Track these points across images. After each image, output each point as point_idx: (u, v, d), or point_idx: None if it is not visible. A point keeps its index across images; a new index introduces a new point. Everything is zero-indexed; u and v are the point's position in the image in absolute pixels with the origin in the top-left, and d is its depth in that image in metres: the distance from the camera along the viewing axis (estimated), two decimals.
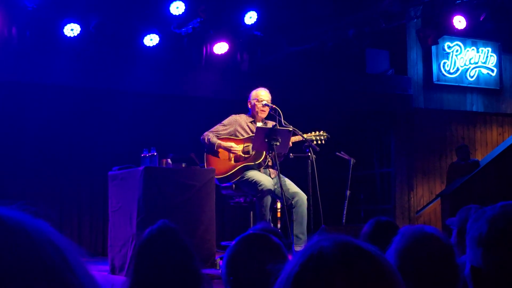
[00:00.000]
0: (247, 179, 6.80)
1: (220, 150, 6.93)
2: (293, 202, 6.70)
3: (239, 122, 7.04)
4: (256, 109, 6.98)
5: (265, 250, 2.30)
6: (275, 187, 6.65)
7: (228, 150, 6.90)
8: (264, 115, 7.01)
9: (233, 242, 2.39)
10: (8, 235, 0.80)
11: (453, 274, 2.24)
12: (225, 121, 7.07)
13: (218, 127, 7.04)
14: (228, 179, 6.93)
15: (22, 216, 0.84)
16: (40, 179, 8.89)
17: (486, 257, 1.56)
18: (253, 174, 6.80)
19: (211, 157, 6.97)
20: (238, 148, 6.92)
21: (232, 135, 7.01)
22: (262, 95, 7.00)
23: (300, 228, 6.64)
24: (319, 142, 6.97)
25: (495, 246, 1.55)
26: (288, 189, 6.75)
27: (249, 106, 7.07)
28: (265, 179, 6.72)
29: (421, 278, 2.28)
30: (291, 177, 6.97)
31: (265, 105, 6.92)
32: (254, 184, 6.70)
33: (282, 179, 6.77)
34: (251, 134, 6.93)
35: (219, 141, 6.92)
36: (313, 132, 7.03)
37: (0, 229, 0.80)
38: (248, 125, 7.03)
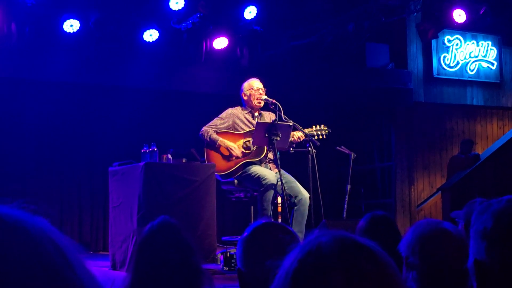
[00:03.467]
0: (250, 174, 6.78)
1: (220, 148, 6.91)
2: (295, 201, 6.68)
3: (236, 114, 7.03)
4: (253, 99, 6.95)
5: (281, 238, 2.27)
6: (278, 181, 6.64)
7: (229, 150, 6.88)
8: (259, 101, 6.95)
9: (250, 229, 2.35)
10: (8, 234, 0.80)
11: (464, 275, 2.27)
12: (222, 115, 7.06)
13: (216, 121, 7.02)
14: (229, 175, 6.92)
15: (21, 214, 0.84)
16: (40, 176, 8.89)
17: (490, 251, 1.56)
18: (257, 169, 6.78)
19: (212, 153, 6.95)
20: (238, 150, 6.88)
21: (230, 128, 6.99)
22: (256, 84, 6.99)
23: (299, 226, 6.62)
24: (320, 137, 6.94)
25: (500, 240, 1.55)
26: (292, 186, 6.72)
27: (244, 98, 7.03)
28: (269, 173, 6.71)
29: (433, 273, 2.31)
30: (291, 171, 6.96)
31: (265, 100, 6.91)
32: (258, 178, 6.68)
33: (285, 175, 6.77)
34: (250, 127, 6.91)
35: (221, 138, 6.90)
36: (314, 127, 7.01)
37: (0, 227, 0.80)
38: (245, 117, 7.02)
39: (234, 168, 6.85)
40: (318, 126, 7.02)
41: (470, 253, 1.62)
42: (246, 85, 7.04)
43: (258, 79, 7.05)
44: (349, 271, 0.99)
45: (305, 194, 6.66)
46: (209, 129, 6.94)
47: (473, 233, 1.61)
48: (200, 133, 6.99)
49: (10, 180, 8.61)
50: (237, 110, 7.05)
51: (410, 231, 2.43)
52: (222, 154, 6.92)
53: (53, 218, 0.92)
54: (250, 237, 2.28)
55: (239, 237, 6.45)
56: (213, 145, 6.91)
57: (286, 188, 6.59)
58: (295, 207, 6.66)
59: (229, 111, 7.07)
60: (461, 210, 3.83)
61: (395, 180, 11.11)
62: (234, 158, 6.89)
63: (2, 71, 8.29)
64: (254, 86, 6.97)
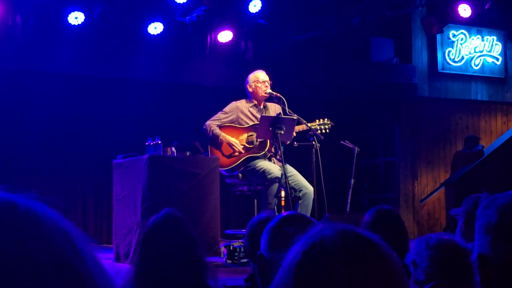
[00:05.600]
0: (254, 168, 6.79)
1: (223, 143, 6.91)
2: (300, 194, 6.68)
3: (240, 108, 7.02)
4: (259, 91, 6.96)
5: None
6: (282, 175, 6.64)
7: (231, 145, 6.88)
8: (265, 92, 6.95)
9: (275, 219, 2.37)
10: (19, 221, 0.81)
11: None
12: (226, 109, 7.06)
13: (219, 115, 7.02)
14: (233, 170, 6.92)
15: (33, 203, 0.85)
16: (44, 168, 8.90)
17: (494, 245, 1.56)
18: (261, 164, 6.79)
19: (215, 149, 6.96)
20: (240, 146, 6.88)
21: (234, 122, 6.99)
22: (262, 76, 6.99)
23: None
24: (324, 130, 6.95)
25: (504, 235, 1.55)
26: (296, 180, 6.73)
27: (249, 90, 7.03)
28: (273, 167, 6.72)
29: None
30: (295, 166, 6.96)
31: (269, 93, 6.91)
32: (263, 173, 6.69)
33: (290, 169, 6.77)
34: (254, 121, 6.91)
35: (223, 134, 6.90)
36: (317, 121, 7.01)
37: (11, 214, 0.81)
38: (249, 111, 7.01)
39: (237, 163, 6.86)
40: (321, 120, 7.02)
41: (475, 247, 1.62)
42: (252, 76, 7.03)
43: (264, 71, 7.04)
44: (352, 264, 1.00)
45: (309, 188, 6.68)
46: (212, 124, 6.94)
47: (478, 227, 1.61)
48: (204, 127, 6.99)
49: (14, 172, 8.63)
50: (241, 104, 7.05)
51: (412, 245, 2.55)
52: (225, 150, 6.92)
53: (60, 209, 0.92)
54: (278, 225, 2.29)
55: (242, 230, 6.43)
56: (216, 141, 6.92)
57: (290, 182, 6.60)
58: (300, 201, 6.67)
59: (233, 104, 7.07)
60: (461, 207, 3.85)
61: (398, 174, 11.10)
62: (237, 153, 6.90)
63: (7, 63, 8.30)
64: (260, 78, 6.96)
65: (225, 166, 6.87)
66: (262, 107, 7.04)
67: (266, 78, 6.98)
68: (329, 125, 7.00)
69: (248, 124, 6.96)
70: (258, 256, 2.27)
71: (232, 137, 6.92)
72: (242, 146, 6.89)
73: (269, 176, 6.63)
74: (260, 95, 6.95)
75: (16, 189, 0.91)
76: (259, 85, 6.94)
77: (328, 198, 6.69)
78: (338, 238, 1.03)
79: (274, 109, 7.05)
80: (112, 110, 9.35)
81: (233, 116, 6.99)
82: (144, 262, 2.67)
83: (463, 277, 2.44)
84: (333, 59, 10.32)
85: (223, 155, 6.91)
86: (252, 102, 7.03)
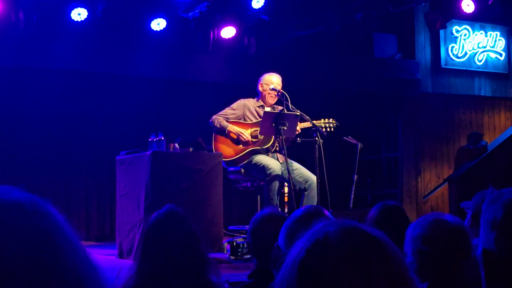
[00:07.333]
0: (255, 163, 6.81)
1: (230, 134, 6.94)
2: (306, 186, 6.73)
3: (248, 106, 7.05)
4: (267, 97, 6.98)
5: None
6: (283, 171, 6.66)
7: (238, 135, 6.91)
8: (273, 101, 7.02)
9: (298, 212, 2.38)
10: (27, 223, 0.82)
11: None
12: (234, 105, 7.09)
13: (226, 111, 7.05)
14: (235, 162, 6.94)
15: (41, 204, 0.86)
16: (47, 164, 8.90)
17: (499, 241, 1.55)
18: (262, 158, 6.81)
19: (220, 139, 6.98)
20: (247, 133, 6.92)
21: (240, 119, 7.02)
22: (274, 81, 7.00)
23: None
24: (328, 129, 6.99)
25: (510, 231, 1.55)
26: (301, 173, 6.77)
27: (260, 89, 7.05)
28: (273, 163, 6.74)
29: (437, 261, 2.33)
30: (298, 161, 6.97)
31: (272, 89, 6.91)
32: (263, 168, 6.71)
33: (292, 164, 6.80)
34: (259, 119, 6.93)
35: (230, 125, 6.94)
36: (322, 120, 7.05)
37: (19, 216, 0.83)
38: (256, 110, 7.03)
39: (240, 155, 6.88)
40: (326, 119, 7.06)
41: (480, 242, 1.62)
42: (267, 78, 7.05)
43: (280, 78, 7.04)
44: (356, 261, 0.99)
45: (313, 178, 6.71)
46: (219, 117, 6.99)
47: (483, 223, 1.60)
48: (210, 120, 7.03)
49: (17, 168, 8.63)
50: (249, 102, 7.08)
51: (409, 229, 2.43)
52: (229, 141, 6.95)
53: (60, 207, 0.93)
54: (297, 219, 2.30)
55: (246, 226, 6.42)
56: (223, 132, 6.94)
57: (295, 175, 6.64)
58: (306, 192, 6.71)
59: (241, 102, 7.09)
60: (471, 200, 3.83)
61: (401, 170, 11.09)
62: (241, 144, 6.91)
63: (9, 60, 8.29)
64: (271, 85, 6.97)
65: (228, 157, 6.88)
66: (270, 109, 7.06)
67: (279, 86, 7.00)
68: (334, 125, 7.05)
69: (253, 121, 6.99)
70: (274, 248, 2.28)
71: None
72: (247, 139, 6.91)
73: (268, 172, 6.65)
74: (268, 99, 6.99)
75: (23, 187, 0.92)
76: (270, 91, 6.96)
77: (331, 193, 6.70)
78: (342, 235, 1.02)
79: None
80: (115, 107, 9.35)
81: (240, 113, 7.03)
82: (146, 258, 2.67)
83: (462, 276, 2.37)
84: (336, 55, 10.31)
85: (228, 144, 6.93)
86: (260, 102, 7.06)
